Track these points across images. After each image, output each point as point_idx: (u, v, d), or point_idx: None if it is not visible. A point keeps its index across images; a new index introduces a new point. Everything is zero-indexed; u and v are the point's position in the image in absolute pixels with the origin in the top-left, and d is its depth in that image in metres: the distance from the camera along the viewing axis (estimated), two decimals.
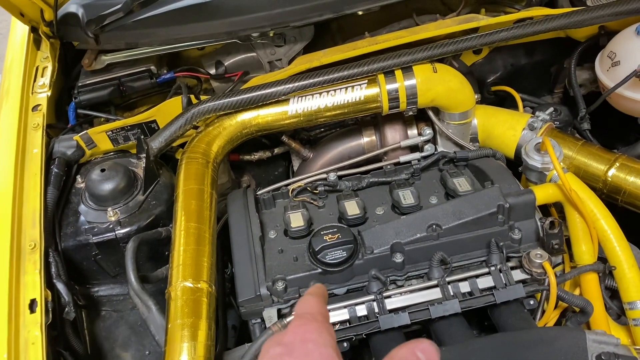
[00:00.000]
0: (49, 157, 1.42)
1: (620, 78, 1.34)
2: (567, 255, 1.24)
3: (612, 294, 1.28)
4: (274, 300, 1.12)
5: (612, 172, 1.33)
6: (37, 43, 1.63)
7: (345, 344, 1.08)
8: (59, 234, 1.31)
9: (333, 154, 1.58)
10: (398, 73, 1.36)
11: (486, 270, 1.12)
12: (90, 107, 1.60)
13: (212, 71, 1.65)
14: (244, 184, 1.71)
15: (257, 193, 1.36)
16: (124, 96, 1.63)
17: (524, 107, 1.66)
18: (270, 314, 1.13)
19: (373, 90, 1.37)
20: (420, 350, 0.61)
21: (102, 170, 1.34)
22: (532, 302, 1.12)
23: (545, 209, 1.32)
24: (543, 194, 1.20)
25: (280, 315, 1.13)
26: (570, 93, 1.67)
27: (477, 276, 1.12)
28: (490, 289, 1.11)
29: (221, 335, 1.28)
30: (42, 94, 1.53)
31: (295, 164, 1.68)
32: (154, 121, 1.45)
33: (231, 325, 1.45)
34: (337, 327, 1.08)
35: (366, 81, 1.37)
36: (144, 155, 1.33)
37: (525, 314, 1.10)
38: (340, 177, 1.34)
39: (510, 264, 1.13)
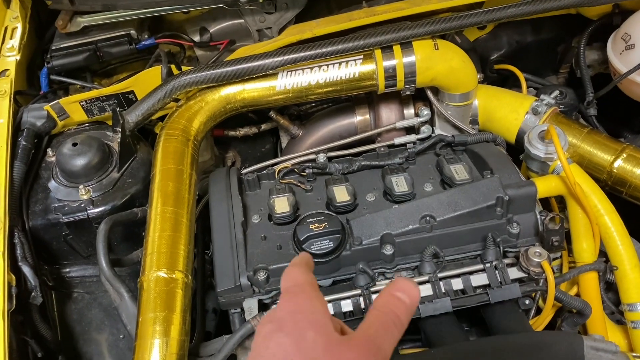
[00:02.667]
0: (16, 128, 1.31)
1: (634, 63, 1.26)
2: (566, 250, 1.18)
3: (607, 287, 1.23)
4: (255, 291, 1.06)
5: (618, 163, 1.26)
6: (6, 1, 1.50)
7: None
8: (27, 212, 1.23)
9: (323, 132, 1.49)
10: (396, 49, 1.26)
11: (481, 266, 1.06)
12: (64, 73, 1.49)
13: (197, 38, 1.54)
14: (228, 161, 1.62)
15: (242, 172, 1.27)
16: (102, 62, 1.51)
17: (528, 87, 1.57)
18: (250, 304, 1.07)
19: (369, 67, 1.27)
20: (399, 291, 0.61)
21: (74, 144, 1.25)
22: (527, 302, 1.07)
23: (545, 200, 1.25)
24: (545, 186, 1.12)
25: (262, 306, 1.07)
26: (577, 74, 1.58)
27: (470, 273, 1.06)
28: (484, 287, 1.05)
29: (199, 321, 1.23)
30: (11, 58, 1.41)
31: (284, 140, 1.59)
32: (132, 92, 1.35)
33: (212, 308, 1.39)
34: None
35: (362, 56, 1.27)
36: (120, 128, 1.23)
37: (520, 315, 1.05)
38: (330, 159, 1.26)
39: (506, 261, 1.07)
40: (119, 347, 1.29)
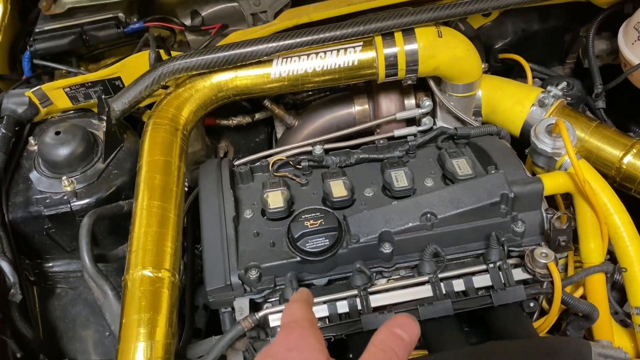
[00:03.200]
0: None
1: None
2: (572, 250, 1.13)
3: (611, 285, 1.18)
4: (246, 290, 1.01)
5: (628, 159, 1.21)
6: None
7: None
8: (7, 203, 1.16)
9: (320, 122, 1.43)
10: (398, 36, 1.20)
11: (483, 267, 1.01)
12: (49, 57, 1.42)
13: (188, 22, 1.47)
14: (220, 151, 1.56)
15: (234, 164, 1.22)
16: (88, 46, 1.44)
17: (533, 78, 1.51)
18: (241, 304, 1.01)
19: (368, 54, 1.21)
20: (398, 327, 0.61)
21: (57, 133, 1.18)
22: (532, 305, 1.02)
23: (550, 196, 1.20)
24: (552, 183, 1.07)
25: (253, 306, 1.02)
26: (584, 65, 1.52)
27: (473, 273, 1.01)
28: (487, 288, 1.00)
29: (188, 319, 1.18)
30: None
31: (279, 130, 1.53)
32: (119, 78, 1.28)
33: (202, 304, 1.34)
34: None
35: (361, 43, 1.21)
36: (105, 117, 1.17)
37: (524, 318, 1.00)
38: (326, 151, 1.21)
39: (510, 262, 1.02)
40: (104, 344, 1.25)
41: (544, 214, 1.07)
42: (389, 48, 1.20)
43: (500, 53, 1.57)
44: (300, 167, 1.19)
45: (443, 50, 1.20)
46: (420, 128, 1.32)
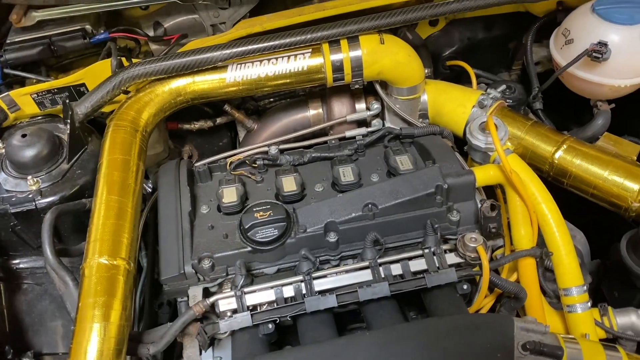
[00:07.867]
0: None
1: (573, 56, 1.30)
2: (509, 238, 1.21)
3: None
4: (200, 279, 1.07)
5: (559, 154, 1.30)
6: None
7: (270, 326, 1.03)
8: None
9: (278, 125, 1.51)
10: (343, 43, 1.29)
11: (420, 252, 1.09)
12: (19, 66, 1.49)
13: (151, 33, 1.55)
14: (185, 155, 1.63)
15: (195, 165, 1.29)
16: (57, 56, 1.51)
17: (479, 83, 1.61)
18: (195, 292, 1.08)
19: (317, 60, 1.30)
20: None
21: (23, 136, 1.25)
22: (465, 287, 1.09)
23: (491, 191, 1.28)
24: (483, 175, 1.16)
25: (207, 294, 1.08)
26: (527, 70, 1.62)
27: (409, 258, 1.08)
28: (422, 272, 1.07)
29: (147, 311, 1.23)
30: None
31: (241, 135, 1.61)
32: (83, 84, 1.35)
33: (167, 300, 1.40)
34: (264, 307, 1.04)
35: (310, 50, 1.30)
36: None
37: (457, 298, 1.08)
38: (282, 151, 1.29)
39: (445, 247, 1.10)
40: (70, 338, 1.29)
41: (478, 204, 1.15)
42: (335, 54, 1.29)
43: (448, 60, 1.66)
44: (256, 165, 1.26)
45: (385, 55, 1.29)
46: (369, 129, 1.40)
